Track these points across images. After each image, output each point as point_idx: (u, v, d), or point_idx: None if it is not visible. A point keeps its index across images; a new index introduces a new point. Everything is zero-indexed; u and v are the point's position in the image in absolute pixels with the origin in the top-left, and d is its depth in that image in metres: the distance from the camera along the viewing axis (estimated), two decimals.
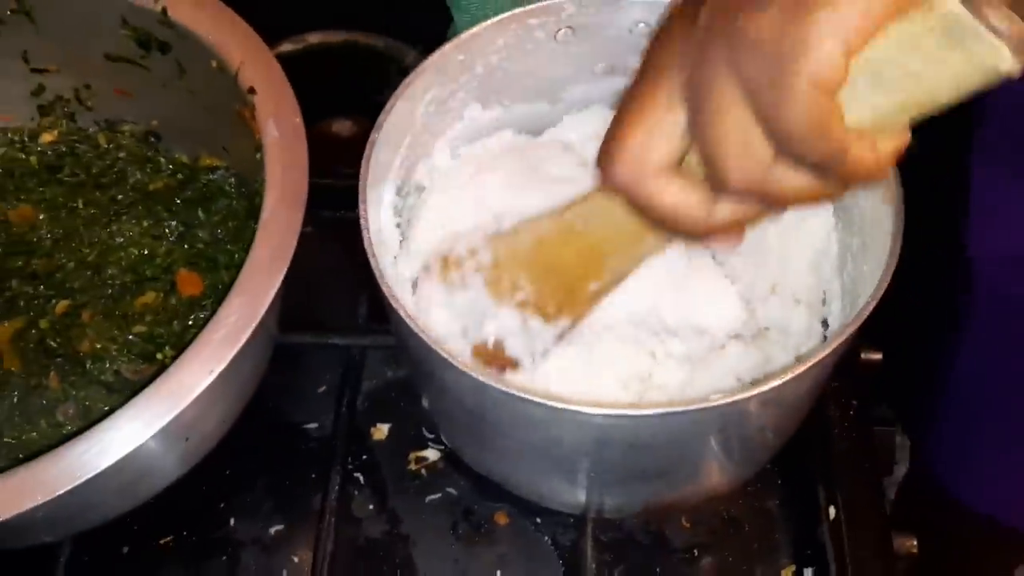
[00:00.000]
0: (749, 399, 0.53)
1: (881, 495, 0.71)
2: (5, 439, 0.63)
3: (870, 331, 0.56)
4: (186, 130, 0.74)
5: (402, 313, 0.54)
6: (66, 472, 0.50)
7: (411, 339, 0.55)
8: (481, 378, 0.52)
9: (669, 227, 0.47)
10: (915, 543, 0.71)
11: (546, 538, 0.70)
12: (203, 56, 0.65)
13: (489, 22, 0.68)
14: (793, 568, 0.69)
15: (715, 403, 0.52)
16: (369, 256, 0.56)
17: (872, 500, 0.70)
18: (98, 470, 0.50)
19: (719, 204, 0.45)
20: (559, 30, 0.70)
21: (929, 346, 0.88)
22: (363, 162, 0.61)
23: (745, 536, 0.71)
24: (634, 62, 0.71)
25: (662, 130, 0.44)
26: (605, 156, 0.46)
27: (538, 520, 0.71)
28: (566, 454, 0.60)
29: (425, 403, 0.71)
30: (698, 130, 0.42)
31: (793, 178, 0.41)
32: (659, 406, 0.53)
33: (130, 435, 0.51)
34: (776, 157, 0.41)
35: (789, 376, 0.52)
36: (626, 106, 0.45)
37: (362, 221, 0.58)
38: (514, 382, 0.53)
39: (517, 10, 0.69)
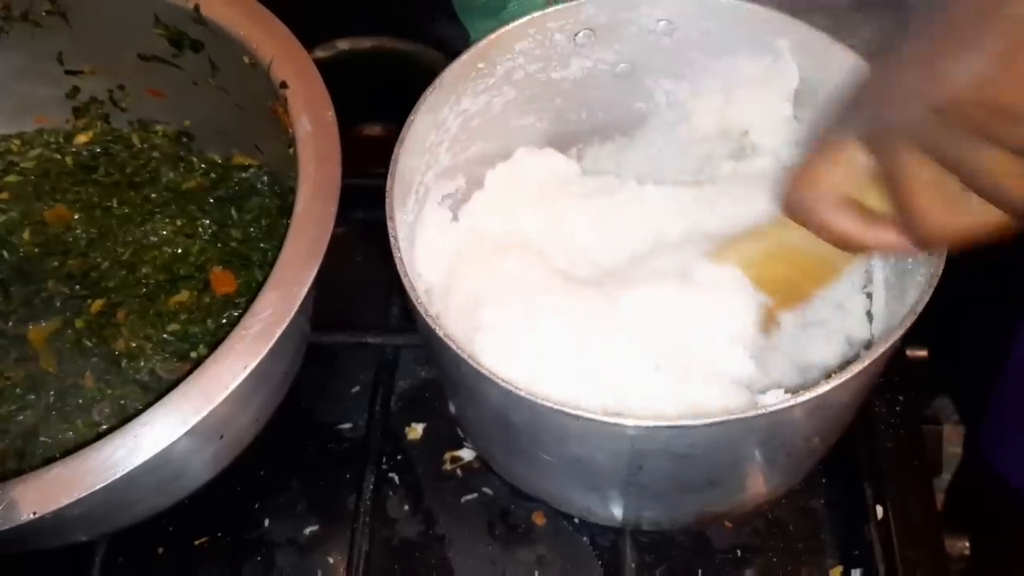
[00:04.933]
0: (792, 408, 0.51)
1: (931, 493, 0.68)
2: (41, 438, 0.62)
3: (916, 329, 0.54)
4: (218, 129, 0.74)
5: (422, 311, 0.53)
6: (101, 469, 0.50)
7: (434, 342, 0.54)
8: (513, 389, 0.50)
9: (841, 248, 0.50)
10: (967, 544, 0.69)
11: (585, 539, 0.69)
12: (235, 52, 0.65)
13: (508, 27, 0.66)
14: (841, 569, 0.67)
15: (755, 413, 0.50)
16: (396, 261, 0.55)
17: (921, 498, 0.67)
18: (132, 467, 0.50)
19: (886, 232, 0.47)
20: (578, 32, 0.69)
21: (984, 331, 0.86)
22: (389, 176, 0.59)
23: (790, 536, 0.69)
24: (655, 61, 0.71)
25: (842, 167, 0.47)
26: (792, 186, 0.50)
27: (576, 521, 0.69)
28: (607, 470, 0.58)
29: (452, 409, 0.70)
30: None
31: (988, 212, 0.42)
32: (694, 418, 0.51)
33: (164, 432, 0.51)
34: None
35: (833, 384, 0.50)
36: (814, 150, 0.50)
37: (390, 230, 0.56)
38: (545, 392, 0.51)
39: (535, 13, 0.67)
